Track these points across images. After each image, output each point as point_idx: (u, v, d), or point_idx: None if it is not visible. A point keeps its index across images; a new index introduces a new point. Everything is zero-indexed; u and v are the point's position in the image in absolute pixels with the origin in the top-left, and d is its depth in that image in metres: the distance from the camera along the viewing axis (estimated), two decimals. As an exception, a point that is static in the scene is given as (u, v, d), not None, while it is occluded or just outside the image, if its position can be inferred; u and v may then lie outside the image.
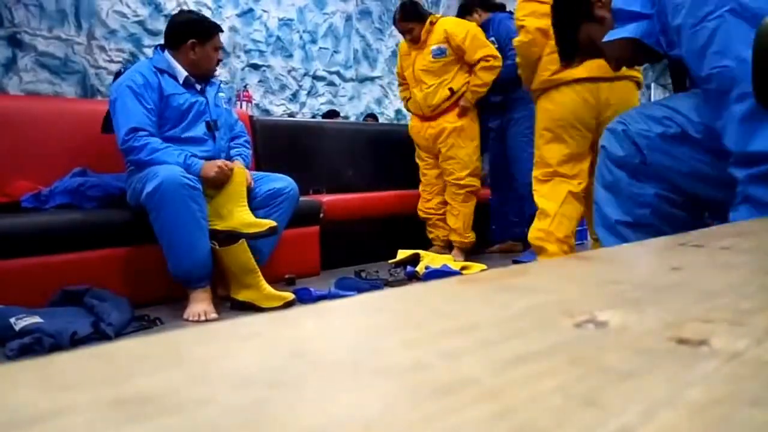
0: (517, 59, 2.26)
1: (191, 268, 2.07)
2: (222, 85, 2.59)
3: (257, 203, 2.30)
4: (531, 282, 0.27)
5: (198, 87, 2.36)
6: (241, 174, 2.25)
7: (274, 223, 2.20)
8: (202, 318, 2.05)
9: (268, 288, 2.22)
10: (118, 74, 2.45)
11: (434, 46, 2.93)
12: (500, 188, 3.28)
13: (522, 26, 2.16)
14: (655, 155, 1.17)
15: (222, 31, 2.44)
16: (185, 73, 2.30)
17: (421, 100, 3.02)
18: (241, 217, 2.19)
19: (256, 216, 2.25)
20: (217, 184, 2.19)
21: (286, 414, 0.13)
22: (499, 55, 2.95)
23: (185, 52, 2.30)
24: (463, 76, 2.97)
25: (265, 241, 2.29)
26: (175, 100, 2.27)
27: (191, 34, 2.30)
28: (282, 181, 2.40)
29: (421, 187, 3.24)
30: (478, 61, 2.92)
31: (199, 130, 2.31)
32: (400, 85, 3.26)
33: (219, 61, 2.43)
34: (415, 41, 2.99)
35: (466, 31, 2.91)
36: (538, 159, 2.23)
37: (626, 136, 1.20)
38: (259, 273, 2.22)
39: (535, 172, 2.24)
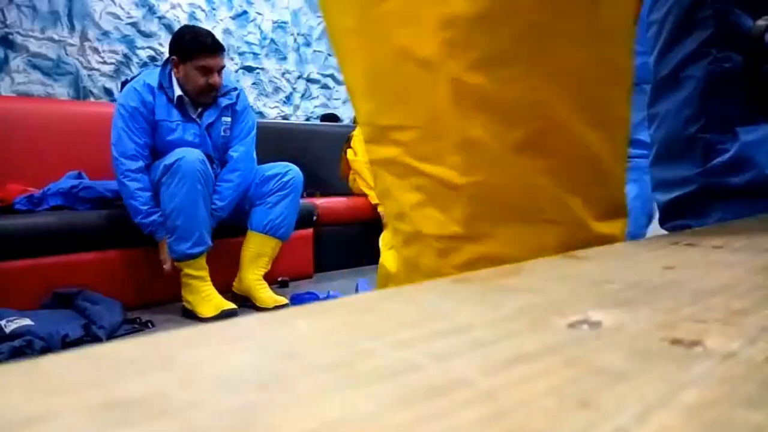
0: None
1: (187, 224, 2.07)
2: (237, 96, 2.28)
3: (269, 193, 2.31)
4: (524, 282, 0.27)
5: (194, 112, 2.16)
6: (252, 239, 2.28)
7: (284, 300, 2.24)
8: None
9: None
10: (124, 83, 2.41)
11: None
12: None
13: None
14: None
15: (217, 50, 2.12)
16: (179, 92, 2.12)
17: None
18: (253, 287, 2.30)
19: (268, 204, 2.28)
20: None
21: (276, 417, 0.13)
22: None
23: (174, 69, 2.14)
24: None
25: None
26: (163, 127, 2.10)
27: (173, 50, 2.13)
28: (280, 168, 2.41)
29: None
30: None
31: None
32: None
33: (211, 85, 2.12)
34: None
35: None
36: None
37: None
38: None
39: None
